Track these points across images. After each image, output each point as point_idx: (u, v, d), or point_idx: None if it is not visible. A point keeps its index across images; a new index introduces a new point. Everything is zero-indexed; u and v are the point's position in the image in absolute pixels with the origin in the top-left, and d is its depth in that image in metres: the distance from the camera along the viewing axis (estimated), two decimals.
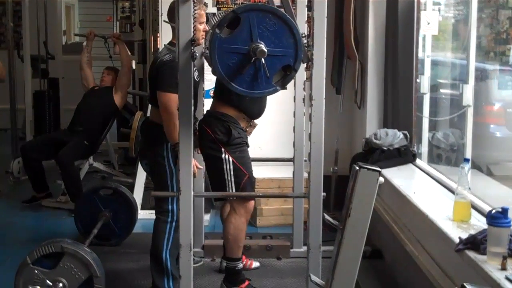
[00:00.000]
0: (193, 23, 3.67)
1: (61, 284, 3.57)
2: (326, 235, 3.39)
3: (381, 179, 2.74)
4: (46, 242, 3.64)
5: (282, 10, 3.19)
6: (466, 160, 3.32)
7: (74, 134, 6.18)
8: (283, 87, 3.01)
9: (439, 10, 5.10)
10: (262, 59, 2.85)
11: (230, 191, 3.89)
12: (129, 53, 6.83)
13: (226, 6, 5.86)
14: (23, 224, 5.76)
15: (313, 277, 3.05)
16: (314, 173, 3.20)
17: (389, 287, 4.29)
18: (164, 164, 3.89)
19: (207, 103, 4.32)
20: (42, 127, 7.97)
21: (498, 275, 2.50)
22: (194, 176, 3.56)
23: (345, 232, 2.76)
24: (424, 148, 5.03)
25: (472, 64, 4.25)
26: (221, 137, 3.88)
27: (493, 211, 2.65)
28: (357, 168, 2.74)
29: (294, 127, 4.52)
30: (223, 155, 3.88)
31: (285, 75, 2.97)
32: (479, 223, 3.16)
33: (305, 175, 4.29)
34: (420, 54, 4.94)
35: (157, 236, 3.93)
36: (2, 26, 10.39)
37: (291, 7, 3.55)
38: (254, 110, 4.03)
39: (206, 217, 5.20)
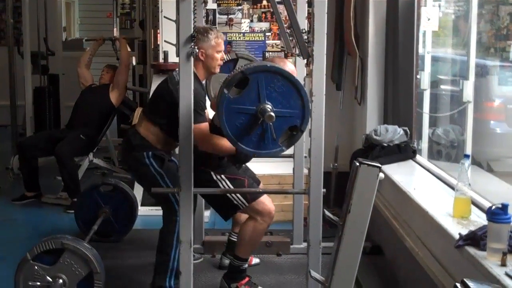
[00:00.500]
0: (210, 51, 3.80)
1: (61, 280, 3.56)
2: (326, 231, 3.39)
3: (381, 175, 2.74)
4: (46, 238, 3.64)
5: (282, 6, 3.19)
6: (466, 156, 3.32)
7: (72, 130, 6.21)
8: (289, 147, 3.04)
9: (439, 6, 5.10)
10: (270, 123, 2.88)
11: (241, 204, 3.88)
12: (129, 51, 6.84)
13: (226, 2, 5.86)
14: (23, 220, 5.77)
15: (313, 273, 3.05)
16: (314, 169, 3.20)
17: (389, 283, 4.29)
18: (150, 171, 3.86)
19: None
20: (42, 124, 7.98)
21: (498, 271, 2.50)
22: None
23: (345, 228, 2.76)
24: (424, 144, 5.03)
25: (473, 60, 4.25)
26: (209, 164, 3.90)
27: (493, 207, 2.65)
28: (357, 164, 2.74)
29: None
30: (215, 177, 3.91)
31: (291, 135, 2.99)
32: (479, 219, 3.17)
33: (305, 171, 4.29)
34: (420, 50, 4.94)
35: (165, 236, 3.89)
36: (2, 23, 10.38)
37: (291, 3, 3.54)
38: None
39: (206, 213, 5.20)
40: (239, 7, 5.88)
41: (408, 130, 4.81)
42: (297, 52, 3.91)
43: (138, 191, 5.44)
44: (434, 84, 5.23)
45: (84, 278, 3.60)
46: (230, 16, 5.89)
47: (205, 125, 3.65)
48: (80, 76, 6.59)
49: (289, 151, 4.59)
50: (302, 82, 4.50)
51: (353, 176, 2.76)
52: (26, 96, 7.66)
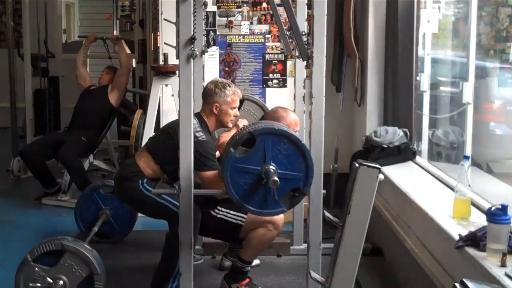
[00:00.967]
0: (225, 107, 3.87)
1: (61, 282, 3.56)
2: (326, 233, 3.40)
3: (381, 176, 2.75)
4: (47, 239, 3.64)
5: (282, 8, 3.19)
6: (466, 157, 3.32)
7: (72, 133, 6.23)
8: (290, 208, 3.08)
9: (439, 8, 5.10)
10: None
11: (240, 220, 3.93)
12: (129, 53, 6.84)
13: (226, 4, 5.87)
14: (24, 222, 5.76)
15: (313, 274, 3.05)
16: (314, 171, 3.20)
17: (389, 284, 4.29)
18: (145, 196, 3.85)
19: None
20: (43, 126, 7.97)
21: (498, 272, 2.51)
22: None
23: (345, 229, 2.77)
24: (424, 146, 5.03)
25: (472, 62, 4.25)
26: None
27: (493, 208, 2.66)
28: (357, 165, 2.75)
29: None
30: (213, 213, 3.96)
31: (293, 197, 3.02)
32: (479, 220, 3.17)
33: None
34: (420, 52, 4.95)
35: (172, 240, 3.83)
36: (2, 25, 10.39)
37: (291, 5, 3.55)
38: None
39: None
40: (239, 10, 5.88)
41: (408, 132, 4.81)
42: (297, 54, 3.91)
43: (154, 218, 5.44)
44: (434, 85, 5.23)
45: (85, 279, 3.61)
46: (230, 18, 5.89)
47: (213, 174, 3.68)
48: (78, 77, 6.61)
49: None
50: (302, 84, 4.55)
51: (353, 177, 2.76)
52: (26, 98, 7.65)
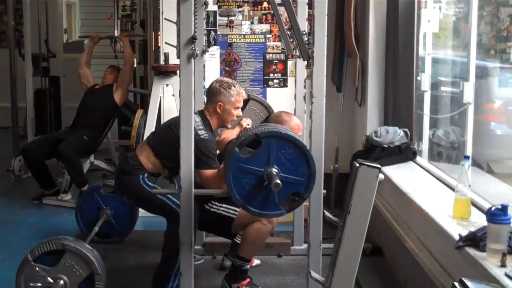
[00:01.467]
0: (228, 106, 3.87)
1: (62, 282, 3.56)
2: (326, 232, 3.40)
3: (381, 175, 2.75)
4: (48, 239, 3.64)
5: (283, 8, 3.20)
6: (466, 157, 3.32)
7: (75, 132, 6.23)
8: (289, 212, 3.11)
9: (439, 7, 5.10)
10: None
11: (232, 212, 3.94)
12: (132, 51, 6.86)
13: (227, 4, 5.87)
14: (24, 221, 5.77)
15: (314, 274, 3.06)
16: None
17: (389, 284, 4.29)
18: (145, 191, 3.87)
19: None
20: (43, 125, 7.98)
21: (498, 272, 2.51)
22: None
23: (345, 229, 2.77)
24: (425, 146, 5.03)
25: (473, 61, 4.25)
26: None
27: (493, 208, 2.66)
28: (357, 165, 2.75)
29: None
30: (207, 207, 3.97)
31: (293, 201, 3.04)
32: (479, 220, 3.17)
33: None
34: (420, 52, 4.94)
35: (171, 238, 3.84)
36: (3, 24, 10.39)
37: (292, 5, 3.55)
38: None
39: None
40: (240, 9, 5.88)
41: (408, 132, 4.81)
42: (298, 53, 3.91)
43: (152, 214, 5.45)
44: (435, 85, 5.23)
45: (85, 279, 3.61)
46: (230, 18, 5.89)
47: (213, 172, 3.68)
48: (81, 77, 6.61)
49: None
50: (302, 84, 4.55)
51: (353, 177, 2.77)
52: (27, 98, 7.66)
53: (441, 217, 3.31)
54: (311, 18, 3.36)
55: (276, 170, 2.94)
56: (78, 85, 6.72)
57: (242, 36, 5.89)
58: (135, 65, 7.81)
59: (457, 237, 2.91)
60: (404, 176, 4.40)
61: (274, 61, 5.88)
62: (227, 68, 5.82)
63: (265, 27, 5.90)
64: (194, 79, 3.20)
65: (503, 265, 2.56)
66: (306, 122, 4.39)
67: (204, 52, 4.46)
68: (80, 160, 6.20)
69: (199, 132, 3.67)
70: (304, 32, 3.52)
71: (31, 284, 3.55)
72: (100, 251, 3.80)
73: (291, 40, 4.53)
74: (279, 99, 5.55)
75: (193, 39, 3.08)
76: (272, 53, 5.89)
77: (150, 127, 5.61)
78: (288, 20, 3.65)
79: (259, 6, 5.88)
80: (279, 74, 5.88)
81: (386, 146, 4.75)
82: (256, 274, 4.28)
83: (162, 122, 5.63)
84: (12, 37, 7.68)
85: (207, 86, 4.80)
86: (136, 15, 9.84)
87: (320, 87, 3.18)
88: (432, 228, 3.35)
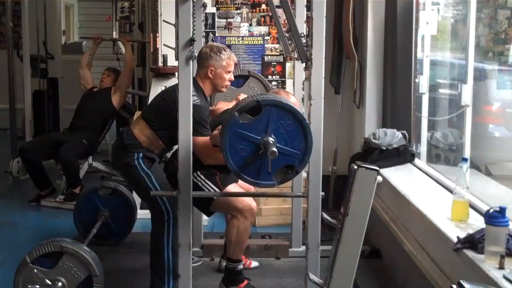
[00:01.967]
0: (220, 70, 3.84)
1: (60, 283, 3.57)
2: (324, 235, 3.40)
3: (379, 178, 2.75)
4: (46, 241, 3.64)
5: (281, 10, 3.20)
6: (465, 159, 3.32)
7: (73, 134, 6.23)
8: (281, 183, 3.05)
9: (438, 10, 5.10)
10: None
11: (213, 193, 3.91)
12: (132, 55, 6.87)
13: (226, 6, 5.88)
14: (23, 223, 5.77)
15: (312, 276, 3.05)
16: (313, 173, 3.21)
17: (387, 286, 4.29)
18: (138, 172, 3.88)
19: None
20: (42, 127, 7.98)
21: (496, 274, 2.51)
22: None
23: (343, 231, 2.77)
24: (423, 148, 5.03)
25: (471, 64, 4.25)
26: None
27: (491, 210, 2.66)
28: (355, 167, 2.75)
29: None
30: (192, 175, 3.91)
31: (286, 173, 3.00)
32: (477, 222, 3.17)
33: (304, 174, 4.29)
34: (419, 54, 4.95)
35: (156, 237, 3.92)
36: (1, 26, 10.40)
37: (290, 7, 3.56)
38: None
39: (205, 216, 5.20)
40: (238, 11, 5.90)
41: (406, 134, 4.81)
42: (296, 56, 3.92)
43: (136, 195, 5.45)
44: (433, 88, 5.23)
45: (83, 281, 3.61)
46: (229, 20, 5.90)
47: (204, 140, 3.67)
48: (81, 77, 6.61)
49: None
50: (301, 86, 4.56)
51: (351, 179, 2.77)
52: (25, 99, 7.67)
53: (439, 219, 3.31)
54: (309, 20, 3.36)
55: (273, 140, 2.90)
56: (76, 87, 6.73)
57: (241, 38, 5.90)
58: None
59: (455, 239, 2.91)
60: (402, 178, 4.40)
61: (273, 63, 5.89)
62: None
63: (263, 29, 5.91)
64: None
65: (501, 267, 2.56)
66: None
67: None
68: (78, 162, 6.20)
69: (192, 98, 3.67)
70: (302, 34, 3.52)
71: (29, 286, 3.55)
72: (98, 253, 3.80)
73: (289, 42, 4.55)
74: None
75: (191, 41, 3.08)
76: (271, 55, 5.90)
77: None
78: (286, 22, 3.65)
79: (258, 8, 5.89)
80: (278, 76, 5.89)
81: (384, 148, 4.75)
82: (254, 276, 4.28)
83: None
84: (11, 38, 7.69)
85: None
86: (135, 17, 9.85)
87: (319, 89, 3.18)
88: (430, 230, 3.35)
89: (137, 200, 5.37)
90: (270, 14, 5.74)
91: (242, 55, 5.84)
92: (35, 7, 8.10)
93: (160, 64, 5.83)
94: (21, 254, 3.67)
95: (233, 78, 4.01)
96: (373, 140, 4.83)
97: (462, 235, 2.92)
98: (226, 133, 2.93)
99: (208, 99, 4.05)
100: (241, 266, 4.06)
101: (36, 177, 6.20)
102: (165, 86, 5.76)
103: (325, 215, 3.12)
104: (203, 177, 3.91)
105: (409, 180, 4.44)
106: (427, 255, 3.45)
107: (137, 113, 6.21)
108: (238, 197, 3.92)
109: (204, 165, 3.84)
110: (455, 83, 4.93)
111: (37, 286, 3.55)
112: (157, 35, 6.12)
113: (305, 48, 3.36)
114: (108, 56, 7.29)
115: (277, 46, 5.86)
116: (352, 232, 2.76)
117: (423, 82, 4.98)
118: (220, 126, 3.15)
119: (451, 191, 3.57)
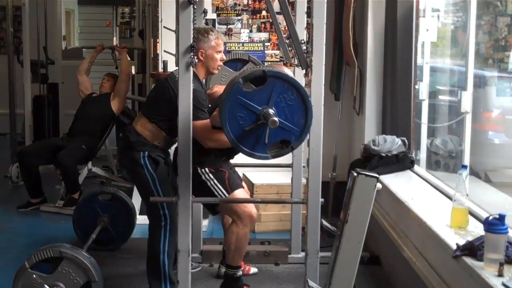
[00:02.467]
0: (210, 51, 3.81)
1: None
2: (324, 241, 3.41)
3: (379, 185, 2.75)
4: (45, 247, 3.64)
5: (281, 16, 3.20)
6: (464, 166, 3.32)
7: (72, 139, 6.23)
8: (275, 157, 3.04)
9: (438, 16, 5.11)
10: (268, 127, 2.88)
11: (221, 195, 3.90)
12: (129, 60, 6.87)
13: (226, 12, 5.89)
14: (22, 229, 5.76)
15: (311, 283, 3.06)
16: (313, 179, 3.21)
17: None
18: (143, 172, 3.87)
19: None
20: (42, 132, 7.97)
21: (495, 282, 2.51)
22: None
23: (342, 238, 2.77)
24: (423, 155, 5.03)
25: (471, 70, 4.26)
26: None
27: (490, 217, 2.66)
28: (355, 174, 2.75)
29: None
30: (199, 171, 3.89)
31: (281, 148, 3.00)
32: (477, 229, 3.17)
33: (304, 181, 4.30)
34: (419, 61, 4.95)
35: (153, 242, 3.92)
36: (2, 31, 10.41)
37: (291, 13, 3.56)
38: None
39: (204, 222, 5.20)
40: (239, 17, 5.90)
41: (406, 140, 4.81)
42: (296, 62, 3.92)
43: (136, 200, 5.45)
44: (433, 94, 5.24)
45: (82, 286, 3.61)
46: (229, 26, 5.91)
47: (207, 122, 3.67)
48: (79, 83, 6.61)
49: (288, 160, 4.63)
50: None
51: (351, 186, 2.77)
52: (25, 104, 7.66)
53: (438, 226, 3.31)
54: (309, 27, 3.37)
55: (273, 111, 2.90)
56: (76, 92, 6.72)
57: (241, 44, 5.91)
58: (132, 73, 7.83)
59: (454, 247, 2.91)
60: (401, 185, 4.39)
61: None
62: None
63: (263, 35, 5.91)
64: (193, 76, 3.19)
65: (500, 274, 2.55)
66: None
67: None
68: (78, 168, 6.20)
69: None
70: (302, 41, 3.53)
71: None
72: (98, 259, 3.80)
73: (289, 48, 4.54)
74: None
75: (192, 47, 3.09)
76: (271, 61, 5.90)
77: None
78: (286, 28, 3.66)
79: (258, 15, 5.89)
80: None
81: (384, 154, 4.75)
82: (253, 282, 4.27)
83: None
84: (11, 43, 7.70)
85: None
86: (135, 23, 9.86)
87: (319, 95, 3.18)
88: (429, 237, 3.35)
89: (137, 205, 5.37)
90: (271, 20, 5.75)
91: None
92: (36, 12, 8.11)
93: (160, 69, 5.83)
94: (20, 260, 3.67)
95: (224, 58, 4.02)
96: (373, 147, 4.83)
97: (462, 242, 2.92)
98: (228, 99, 2.92)
99: (203, 82, 4.05)
100: (240, 272, 4.06)
101: (30, 183, 6.18)
102: None
103: (325, 222, 3.13)
104: (212, 176, 3.92)
105: (408, 187, 4.44)
106: (426, 262, 3.45)
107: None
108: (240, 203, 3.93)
109: (211, 158, 3.86)
110: (455, 90, 4.94)
111: None
112: (158, 41, 6.13)
113: (305, 54, 3.36)
114: (107, 62, 7.29)
115: (277, 52, 5.86)
116: (352, 239, 2.76)
117: (423, 89, 4.99)
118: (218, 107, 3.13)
119: (450, 198, 3.57)
